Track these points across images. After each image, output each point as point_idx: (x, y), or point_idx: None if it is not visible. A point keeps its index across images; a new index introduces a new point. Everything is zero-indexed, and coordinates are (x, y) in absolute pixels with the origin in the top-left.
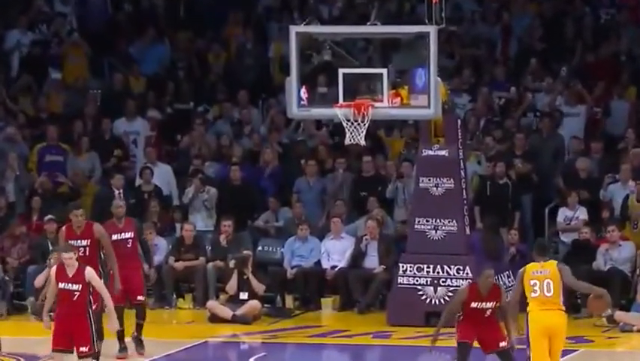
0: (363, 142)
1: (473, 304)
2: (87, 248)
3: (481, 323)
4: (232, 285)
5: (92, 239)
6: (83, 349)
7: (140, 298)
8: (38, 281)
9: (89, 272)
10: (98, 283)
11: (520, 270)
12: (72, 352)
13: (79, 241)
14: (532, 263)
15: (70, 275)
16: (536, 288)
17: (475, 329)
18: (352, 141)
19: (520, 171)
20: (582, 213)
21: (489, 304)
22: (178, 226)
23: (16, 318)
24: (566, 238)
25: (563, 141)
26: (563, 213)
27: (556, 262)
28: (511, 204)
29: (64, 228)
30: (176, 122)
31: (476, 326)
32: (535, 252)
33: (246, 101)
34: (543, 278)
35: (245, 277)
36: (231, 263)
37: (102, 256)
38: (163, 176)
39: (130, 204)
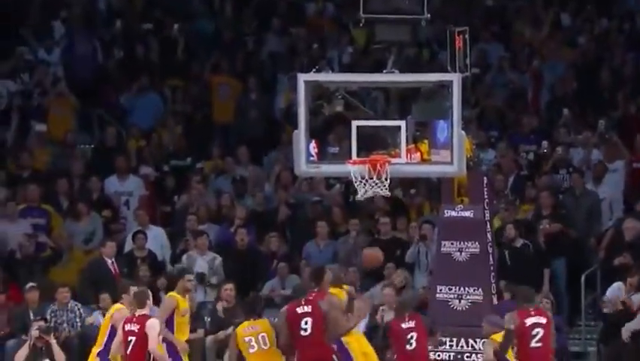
0: (386, 193)
1: None
2: None
3: None
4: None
5: None
6: None
7: None
8: (18, 358)
9: None
10: None
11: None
12: None
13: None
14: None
15: None
16: (253, 343)
17: None
18: (370, 194)
19: (548, 231)
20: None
21: None
22: (162, 294)
23: None
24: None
25: (597, 200)
26: (616, 290)
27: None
28: (538, 269)
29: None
30: (172, 180)
31: None
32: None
33: (247, 157)
34: (257, 333)
35: None
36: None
37: None
38: (156, 240)
39: (122, 272)
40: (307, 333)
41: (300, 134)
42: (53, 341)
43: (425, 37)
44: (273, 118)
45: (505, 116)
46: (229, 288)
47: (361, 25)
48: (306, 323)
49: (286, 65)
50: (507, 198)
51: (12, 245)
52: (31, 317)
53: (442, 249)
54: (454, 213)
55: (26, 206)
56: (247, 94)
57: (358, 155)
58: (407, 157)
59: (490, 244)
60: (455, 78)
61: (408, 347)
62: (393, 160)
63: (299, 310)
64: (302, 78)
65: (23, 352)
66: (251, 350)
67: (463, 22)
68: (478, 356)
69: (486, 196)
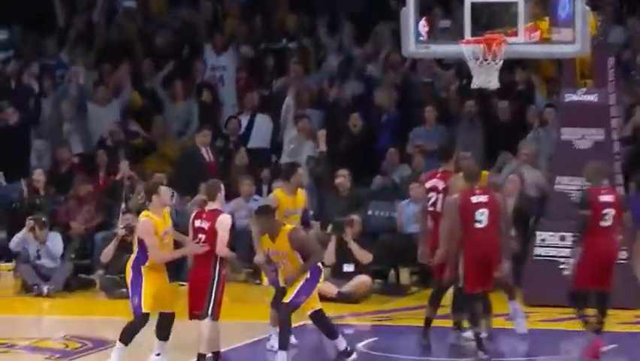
0: (495, 85)
1: None
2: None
3: None
4: (329, 254)
5: None
6: None
7: None
8: (105, 256)
9: None
10: None
11: None
12: None
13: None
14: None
15: None
16: None
17: None
18: (481, 84)
19: None
20: None
21: None
22: (265, 188)
23: (82, 295)
24: None
25: None
26: None
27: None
28: None
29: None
30: (270, 60)
31: None
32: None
33: (352, 35)
34: None
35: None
36: (329, 228)
37: None
38: (256, 126)
39: (217, 161)
40: (482, 225)
41: (409, 11)
42: None
43: None
44: None
45: None
46: (344, 174)
47: None
48: (481, 215)
49: None
50: (635, 79)
51: (102, 132)
52: (122, 208)
53: (562, 136)
54: (575, 98)
55: (115, 91)
56: None
57: (472, 34)
58: (525, 36)
59: (615, 131)
60: None
61: (602, 223)
62: (510, 39)
63: (474, 199)
64: None
65: (111, 249)
66: None
67: None
68: None
69: (612, 78)
